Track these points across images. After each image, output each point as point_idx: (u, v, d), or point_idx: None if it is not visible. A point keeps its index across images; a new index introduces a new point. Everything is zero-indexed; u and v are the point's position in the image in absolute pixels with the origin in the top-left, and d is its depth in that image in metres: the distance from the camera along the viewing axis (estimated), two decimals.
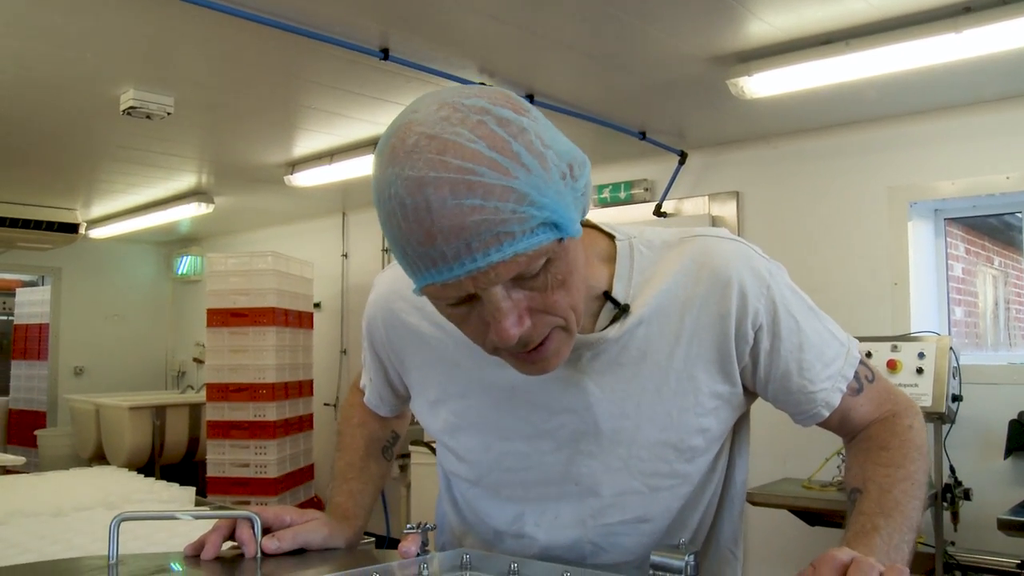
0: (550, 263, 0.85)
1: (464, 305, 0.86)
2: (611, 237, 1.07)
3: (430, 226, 0.78)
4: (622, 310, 1.02)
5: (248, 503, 4.93)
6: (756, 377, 1.07)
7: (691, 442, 1.06)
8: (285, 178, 4.78)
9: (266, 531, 1.09)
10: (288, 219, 6.62)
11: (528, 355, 0.91)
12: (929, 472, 1.02)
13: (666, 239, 1.07)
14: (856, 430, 1.11)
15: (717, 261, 1.03)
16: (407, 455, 4.79)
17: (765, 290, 1.03)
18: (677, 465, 1.06)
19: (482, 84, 3.30)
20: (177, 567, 1.05)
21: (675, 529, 1.11)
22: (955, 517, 3.20)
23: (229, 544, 1.08)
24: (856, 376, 1.08)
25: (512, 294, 0.84)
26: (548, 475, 1.07)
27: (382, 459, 1.32)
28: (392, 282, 1.16)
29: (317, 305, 6.10)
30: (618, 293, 1.03)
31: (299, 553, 1.10)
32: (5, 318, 8.60)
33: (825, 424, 1.11)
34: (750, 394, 1.11)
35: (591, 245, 1.04)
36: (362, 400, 1.33)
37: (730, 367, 1.05)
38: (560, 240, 0.83)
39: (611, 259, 1.05)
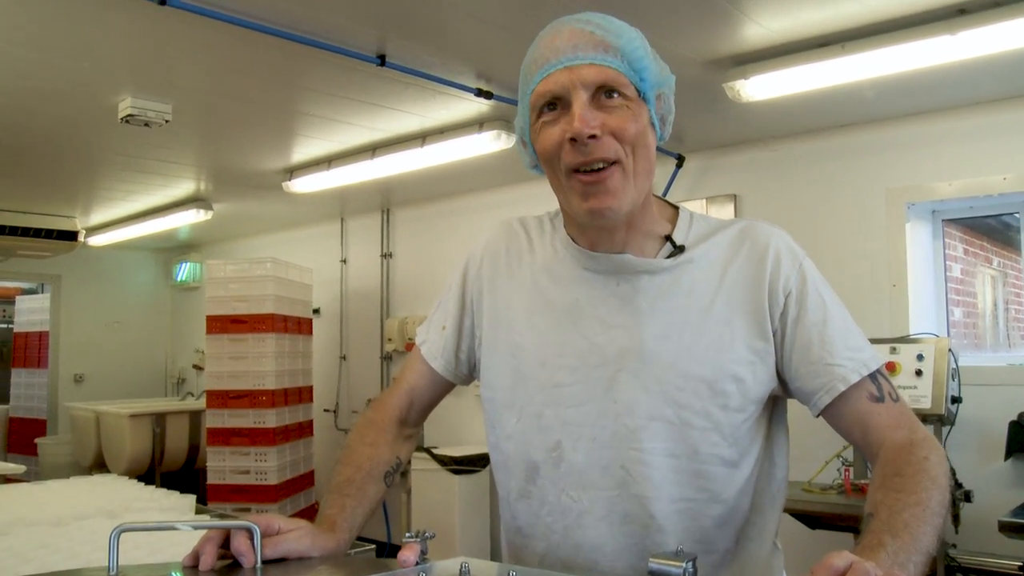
0: (626, 107, 1.10)
1: (555, 112, 1.12)
2: (676, 208, 1.27)
3: (561, 29, 1.15)
4: (678, 249, 1.20)
5: (248, 510, 4.92)
6: (784, 344, 1.18)
7: (724, 386, 1.15)
8: (283, 184, 4.79)
9: None
10: (287, 225, 6.63)
11: (593, 176, 1.10)
12: (947, 505, 1.02)
13: (720, 220, 1.27)
14: (875, 442, 1.14)
15: (760, 233, 1.22)
16: (407, 461, 4.78)
17: (798, 266, 1.20)
18: (709, 405, 1.15)
19: (483, 92, 3.30)
20: None
21: (709, 492, 1.17)
22: (956, 519, 3.19)
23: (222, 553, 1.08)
24: (879, 384, 1.16)
25: (591, 108, 1.09)
26: (592, 392, 1.18)
27: (381, 483, 1.32)
28: (505, 227, 1.35)
29: (316, 311, 6.10)
30: (677, 239, 1.22)
31: (298, 562, 1.10)
32: (5, 326, 8.61)
33: (846, 431, 1.17)
34: (783, 382, 1.19)
35: (659, 208, 1.25)
36: (380, 419, 1.36)
37: (764, 323, 1.17)
38: (640, 96, 1.11)
39: (673, 221, 1.25)
